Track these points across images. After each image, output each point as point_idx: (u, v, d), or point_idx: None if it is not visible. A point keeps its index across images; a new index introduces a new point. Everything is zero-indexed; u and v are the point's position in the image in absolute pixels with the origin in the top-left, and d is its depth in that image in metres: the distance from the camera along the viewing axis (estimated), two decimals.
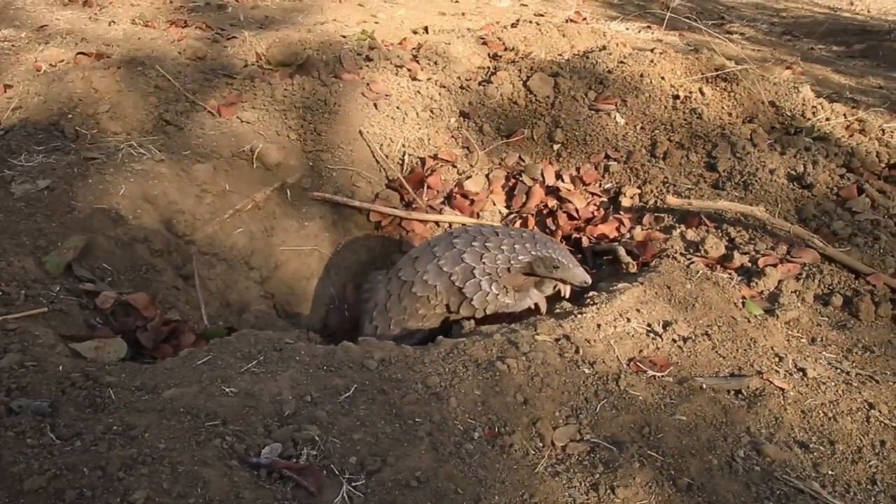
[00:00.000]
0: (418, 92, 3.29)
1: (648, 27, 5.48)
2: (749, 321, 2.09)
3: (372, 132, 3.10)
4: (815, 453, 1.63)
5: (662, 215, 2.73)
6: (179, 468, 1.29)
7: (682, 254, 2.44)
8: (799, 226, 2.52)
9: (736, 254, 2.38)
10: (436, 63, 3.57)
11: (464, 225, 2.72)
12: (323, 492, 1.32)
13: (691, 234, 2.55)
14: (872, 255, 2.40)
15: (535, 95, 3.28)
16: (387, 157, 3.08)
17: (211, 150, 2.76)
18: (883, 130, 3.14)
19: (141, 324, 1.98)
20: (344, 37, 3.79)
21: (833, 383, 1.84)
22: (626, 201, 2.85)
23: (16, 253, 1.96)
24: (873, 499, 1.54)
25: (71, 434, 1.35)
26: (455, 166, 3.12)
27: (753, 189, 2.74)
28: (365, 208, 2.92)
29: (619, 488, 1.46)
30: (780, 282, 2.26)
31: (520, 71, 3.40)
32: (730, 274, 2.33)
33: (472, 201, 2.98)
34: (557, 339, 1.90)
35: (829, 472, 1.59)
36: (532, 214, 2.94)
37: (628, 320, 2.03)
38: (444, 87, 3.36)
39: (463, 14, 5.04)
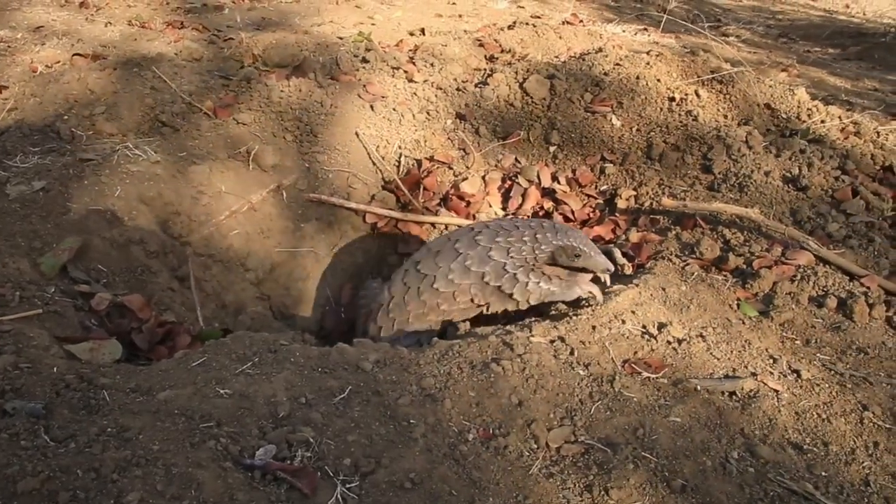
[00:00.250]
0: (414, 94, 3.30)
1: (645, 29, 5.49)
2: (744, 323, 2.09)
3: (368, 134, 3.10)
4: (809, 454, 1.64)
5: (658, 217, 2.73)
6: (173, 470, 1.29)
7: (677, 255, 2.44)
8: (794, 228, 2.53)
9: (731, 255, 2.39)
10: (432, 65, 3.57)
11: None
12: (317, 493, 1.32)
13: (686, 236, 2.55)
14: (867, 257, 2.41)
15: (532, 97, 3.29)
16: (383, 158, 3.08)
17: (207, 152, 2.76)
18: (878, 133, 3.15)
19: (136, 325, 1.98)
20: (340, 38, 3.80)
21: (827, 385, 1.85)
22: (621, 203, 2.85)
23: (11, 254, 1.95)
24: (866, 500, 1.54)
25: (65, 436, 1.35)
26: (451, 168, 3.12)
27: (748, 191, 2.75)
28: (361, 210, 2.92)
29: (612, 489, 1.47)
30: (774, 283, 2.27)
31: (516, 73, 3.40)
32: (725, 276, 2.33)
33: (469, 203, 2.98)
34: (552, 341, 1.90)
35: (823, 474, 1.59)
36: (528, 216, 2.94)
37: (623, 322, 2.03)
38: (441, 88, 3.36)
39: (460, 16, 5.05)
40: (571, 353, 1.86)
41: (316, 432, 1.46)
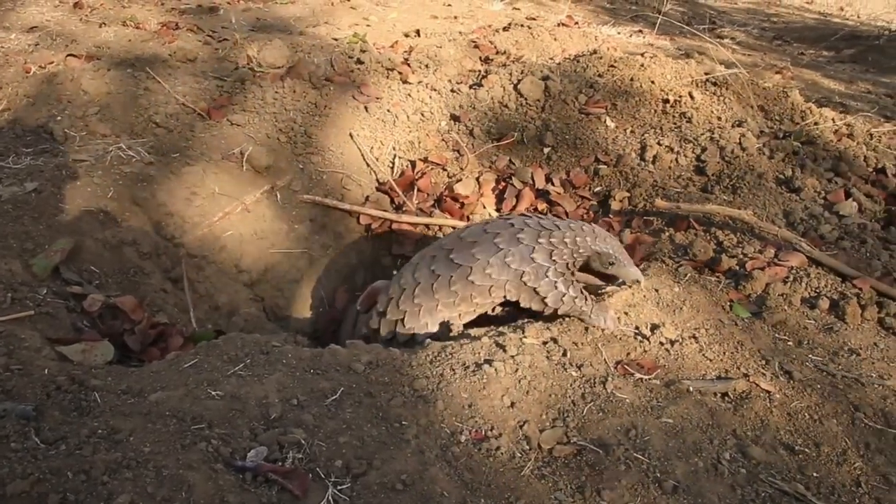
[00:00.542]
0: (409, 95, 3.30)
1: (640, 31, 5.50)
2: (736, 324, 2.10)
3: (362, 135, 3.10)
4: (801, 455, 1.64)
5: (651, 218, 2.74)
6: (164, 472, 1.28)
7: (670, 257, 2.45)
8: (786, 229, 2.54)
9: (724, 257, 2.39)
10: (427, 66, 3.57)
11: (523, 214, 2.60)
12: (308, 495, 1.32)
13: (680, 238, 2.56)
14: (859, 259, 2.42)
15: (526, 99, 3.29)
16: (377, 159, 3.09)
17: (200, 153, 2.76)
18: (871, 135, 3.16)
19: (128, 327, 1.97)
20: (335, 40, 3.80)
21: (819, 386, 1.85)
22: (615, 205, 2.86)
23: (2, 256, 1.95)
24: (857, 500, 1.55)
25: (55, 438, 1.35)
26: (445, 169, 3.13)
27: (742, 193, 2.76)
28: (355, 211, 2.92)
29: (604, 491, 1.47)
30: (767, 285, 2.27)
31: (510, 74, 3.41)
32: (718, 277, 2.34)
33: (462, 204, 2.98)
34: (545, 342, 1.90)
35: (815, 474, 1.60)
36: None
37: (619, 321, 2.03)
38: (435, 90, 3.37)
39: (455, 17, 5.05)
40: (564, 355, 1.86)
41: (307, 434, 1.45)
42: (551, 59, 3.92)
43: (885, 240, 2.54)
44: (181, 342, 2.01)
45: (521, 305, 2.05)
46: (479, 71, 3.62)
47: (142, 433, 1.38)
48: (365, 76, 3.36)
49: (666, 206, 2.67)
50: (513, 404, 1.67)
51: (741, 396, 1.80)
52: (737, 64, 3.58)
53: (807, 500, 1.52)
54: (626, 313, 2.08)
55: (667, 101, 3.24)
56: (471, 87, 3.42)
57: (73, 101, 2.82)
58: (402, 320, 2.10)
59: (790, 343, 2.05)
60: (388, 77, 3.40)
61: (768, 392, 1.81)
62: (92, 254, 2.14)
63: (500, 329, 2.00)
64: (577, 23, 5.31)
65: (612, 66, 3.44)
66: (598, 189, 3.01)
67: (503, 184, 3.08)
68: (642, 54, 3.55)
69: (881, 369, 1.95)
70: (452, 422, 1.60)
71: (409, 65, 3.58)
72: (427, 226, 2.91)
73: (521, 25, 4.47)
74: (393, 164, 3.14)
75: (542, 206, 2.97)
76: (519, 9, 5.70)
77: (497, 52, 4.02)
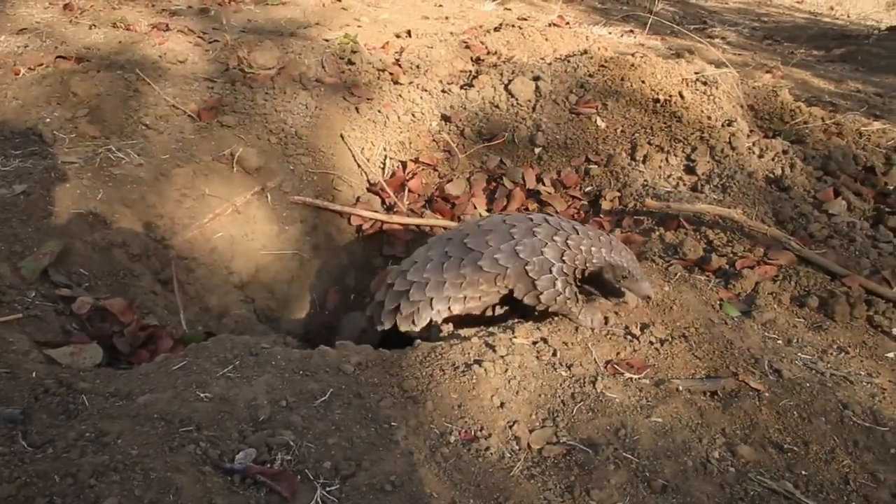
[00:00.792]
0: (400, 96, 3.30)
1: (631, 31, 5.51)
2: (726, 323, 2.10)
3: (353, 136, 3.10)
4: (789, 454, 1.65)
5: (642, 218, 2.74)
6: (151, 475, 1.28)
7: (660, 256, 2.45)
8: (776, 228, 2.55)
9: (714, 256, 2.40)
10: (418, 67, 3.57)
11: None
12: (297, 497, 1.32)
13: (670, 237, 2.56)
14: (848, 257, 2.43)
15: (517, 99, 3.30)
16: (368, 160, 3.08)
17: (191, 154, 2.75)
18: (860, 133, 3.17)
19: (118, 329, 1.97)
20: (326, 40, 3.79)
21: (808, 384, 1.86)
22: (606, 204, 2.86)
23: None
24: (846, 498, 1.55)
25: (43, 441, 1.34)
26: (436, 170, 3.13)
27: (732, 192, 2.76)
28: (346, 212, 2.92)
29: (593, 490, 1.47)
30: (756, 284, 2.28)
31: (501, 75, 3.41)
32: (707, 276, 2.34)
33: (454, 205, 2.98)
34: (535, 342, 1.91)
35: (803, 473, 1.60)
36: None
37: (605, 322, 2.04)
38: (426, 90, 3.36)
39: (447, 18, 5.05)
40: (554, 355, 1.86)
41: (296, 435, 1.45)
42: (542, 59, 3.92)
43: (873, 238, 2.55)
44: (171, 344, 2.00)
45: (515, 295, 2.06)
46: (470, 71, 3.62)
47: (130, 436, 1.38)
48: (356, 77, 3.36)
49: (656, 206, 2.68)
50: (502, 404, 1.68)
51: (730, 395, 1.80)
52: (727, 64, 3.59)
53: (795, 499, 1.52)
54: (616, 313, 2.08)
55: (657, 100, 3.24)
56: (462, 87, 3.42)
57: (62, 102, 2.81)
58: (408, 293, 2.11)
59: (779, 341, 2.06)
60: (378, 78, 3.40)
61: (757, 391, 1.81)
62: (81, 256, 2.14)
63: (490, 329, 2.00)
64: (568, 23, 5.31)
65: (602, 66, 3.44)
66: (588, 189, 3.01)
67: (494, 184, 3.08)
68: (633, 54, 3.56)
69: (870, 367, 1.96)
70: (442, 422, 1.60)
71: (400, 65, 3.58)
72: (418, 226, 2.91)
73: (513, 26, 4.47)
74: (384, 164, 3.14)
75: (532, 206, 2.97)
76: (510, 9, 5.70)
77: (488, 53, 4.02)
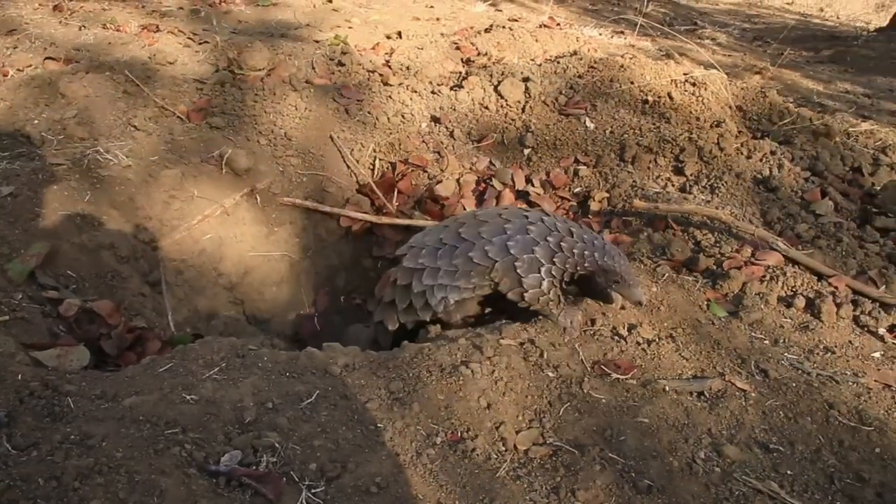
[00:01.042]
0: (390, 97, 3.30)
1: (622, 32, 5.53)
2: (713, 323, 2.11)
3: (343, 137, 3.10)
4: (775, 454, 1.66)
5: (630, 219, 2.75)
6: (136, 477, 1.28)
7: (648, 257, 2.46)
8: (763, 229, 2.56)
9: (701, 257, 2.41)
10: (408, 68, 3.57)
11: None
12: (282, 499, 1.32)
13: (658, 238, 2.57)
14: (835, 258, 2.44)
15: (506, 100, 3.30)
16: (357, 161, 3.08)
17: (180, 156, 2.74)
18: (848, 134, 3.19)
19: (105, 331, 1.96)
20: (317, 41, 3.79)
21: (794, 384, 1.87)
22: (594, 205, 2.87)
23: None
24: (831, 498, 1.56)
25: (27, 444, 1.34)
26: (426, 171, 3.13)
27: (720, 192, 2.78)
28: (335, 213, 2.91)
29: (579, 491, 1.48)
30: (744, 284, 2.29)
31: (491, 76, 3.41)
32: (695, 276, 2.35)
33: (443, 206, 2.99)
34: (522, 344, 1.91)
35: (788, 472, 1.61)
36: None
37: (593, 323, 2.04)
38: (416, 92, 3.37)
39: (437, 19, 5.05)
40: (541, 356, 1.87)
41: (282, 437, 1.45)
42: (532, 60, 3.93)
43: (860, 238, 2.57)
44: (159, 346, 2.00)
45: (500, 289, 2.06)
46: (460, 72, 3.63)
47: (115, 438, 1.37)
48: (346, 78, 3.36)
49: (644, 207, 2.69)
50: (489, 406, 1.68)
51: (717, 395, 1.81)
52: (716, 65, 3.61)
53: (780, 498, 1.53)
54: (603, 314, 2.09)
55: (646, 101, 3.25)
56: (451, 88, 3.42)
57: (50, 104, 2.80)
58: (421, 278, 2.13)
59: (766, 342, 2.07)
60: (369, 79, 3.40)
61: (744, 391, 1.82)
62: (69, 258, 2.13)
63: (478, 330, 2.00)
64: (558, 24, 5.32)
65: (592, 67, 3.45)
66: (577, 190, 3.02)
67: (483, 185, 3.09)
68: (622, 55, 3.57)
69: (856, 367, 1.97)
70: (428, 424, 1.60)
71: (390, 67, 3.58)
72: (407, 227, 2.90)
73: (503, 27, 4.48)
74: (373, 165, 3.14)
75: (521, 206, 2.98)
76: (501, 10, 5.71)
77: (478, 54, 4.02)
